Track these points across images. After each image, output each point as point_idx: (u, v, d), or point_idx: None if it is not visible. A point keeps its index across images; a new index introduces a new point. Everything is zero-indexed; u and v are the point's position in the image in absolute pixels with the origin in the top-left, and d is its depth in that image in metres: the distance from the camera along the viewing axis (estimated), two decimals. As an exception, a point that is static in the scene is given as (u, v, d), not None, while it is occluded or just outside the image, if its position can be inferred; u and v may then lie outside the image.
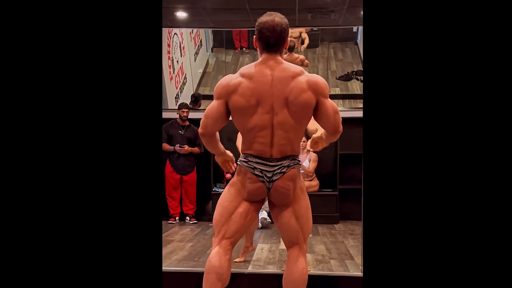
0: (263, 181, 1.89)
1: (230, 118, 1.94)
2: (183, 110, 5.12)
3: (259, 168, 1.88)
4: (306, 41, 7.15)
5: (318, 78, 1.87)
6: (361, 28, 6.71)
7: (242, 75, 1.85)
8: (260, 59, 1.89)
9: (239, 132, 1.98)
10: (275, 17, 1.85)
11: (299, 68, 1.88)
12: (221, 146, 2.06)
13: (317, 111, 1.88)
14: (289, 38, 1.91)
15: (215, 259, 1.89)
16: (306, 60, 6.47)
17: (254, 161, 1.89)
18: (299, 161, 1.95)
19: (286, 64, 1.87)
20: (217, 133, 1.99)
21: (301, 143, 5.06)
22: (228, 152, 2.12)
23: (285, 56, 1.96)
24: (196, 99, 5.94)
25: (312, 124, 3.09)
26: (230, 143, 5.46)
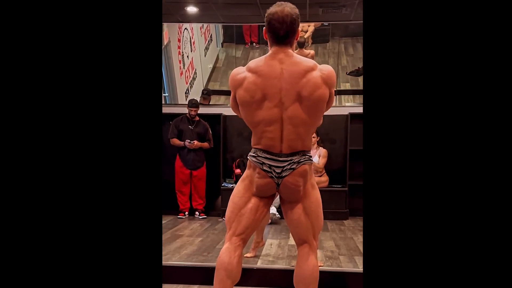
0: (271, 177, 1.87)
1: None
2: (191, 109, 5.11)
3: (267, 164, 1.86)
4: (310, 30, 7.14)
5: (330, 70, 1.83)
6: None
7: (249, 70, 1.82)
8: (269, 52, 1.83)
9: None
10: (285, 8, 1.79)
11: (311, 62, 1.82)
12: None
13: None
14: (301, 31, 1.89)
15: (224, 255, 1.89)
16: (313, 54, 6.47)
17: (263, 156, 1.87)
18: (311, 156, 1.92)
19: (297, 58, 1.82)
20: None
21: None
22: None
23: (295, 51, 1.93)
24: (208, 93, 5.96)
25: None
26: (239, 138, 5.49)
